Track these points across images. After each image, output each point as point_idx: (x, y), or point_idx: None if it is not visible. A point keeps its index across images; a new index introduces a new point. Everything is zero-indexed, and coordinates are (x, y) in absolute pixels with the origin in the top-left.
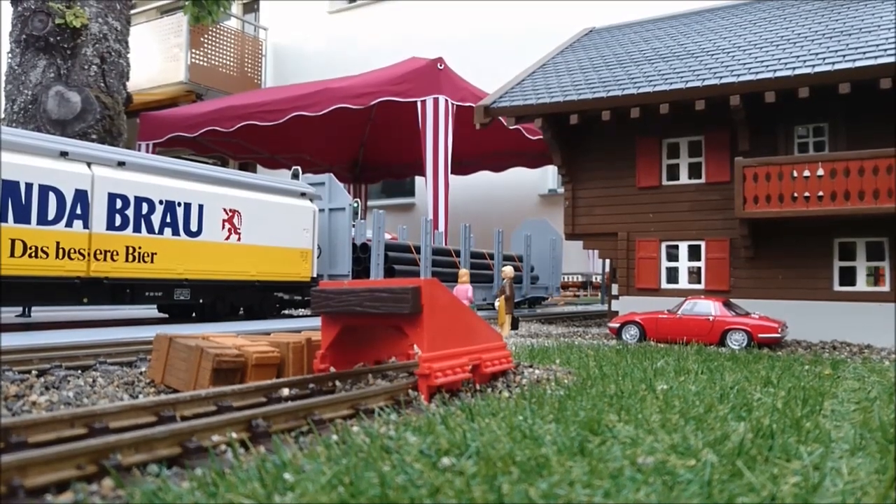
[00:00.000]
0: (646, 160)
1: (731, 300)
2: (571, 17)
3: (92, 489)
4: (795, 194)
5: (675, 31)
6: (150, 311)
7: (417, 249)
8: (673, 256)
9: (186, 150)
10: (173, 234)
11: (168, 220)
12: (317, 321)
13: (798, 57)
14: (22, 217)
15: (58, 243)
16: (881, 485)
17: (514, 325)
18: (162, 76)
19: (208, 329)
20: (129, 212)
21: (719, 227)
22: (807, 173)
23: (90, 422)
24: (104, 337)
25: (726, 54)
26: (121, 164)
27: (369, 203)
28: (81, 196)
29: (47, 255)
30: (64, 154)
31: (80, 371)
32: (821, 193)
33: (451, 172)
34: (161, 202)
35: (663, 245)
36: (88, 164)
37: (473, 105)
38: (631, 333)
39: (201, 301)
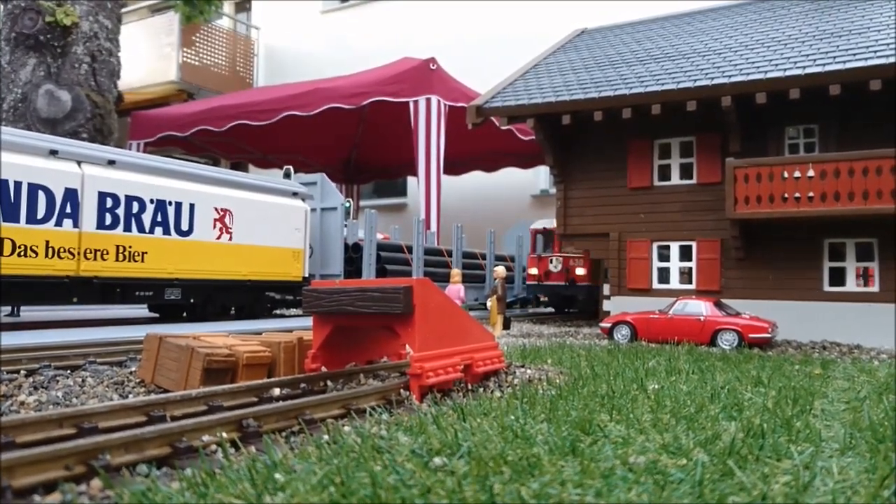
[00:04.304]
0: (637, 161)
1: (722, 300)
2: (564, 18)
3: (80, 490)
4: (786, 195)
5: (666, 32)
6: (141, 310)
7: (409, 249)
8: (664, 257)
9: (178, 149)
10: (164, 234)
11: (159, 219)
12: (308, 321)
13: (789, 58)
14: (11, 216)
15: (47, 242)
16: (871, 484)
17: (506, 325)
18: (153, 75)
19: (199, 329)
20: (120, 211)
21: (710, 227)
22: (798, 174)
23: (79, 422)
24: (94, 336)
25: (718, 56)
26: (111, 162)
27: (361, 203)
28: (71, 195)
29: (36, 254)
30: (54, 152)
31: (69, 371)
32: (811, 194)
33: (444, 173)
34: (152, 201)
35: (654, 245)
36: (78, 163)
37: (466, 105)
38: (622, 333)
39: (192, 300)
